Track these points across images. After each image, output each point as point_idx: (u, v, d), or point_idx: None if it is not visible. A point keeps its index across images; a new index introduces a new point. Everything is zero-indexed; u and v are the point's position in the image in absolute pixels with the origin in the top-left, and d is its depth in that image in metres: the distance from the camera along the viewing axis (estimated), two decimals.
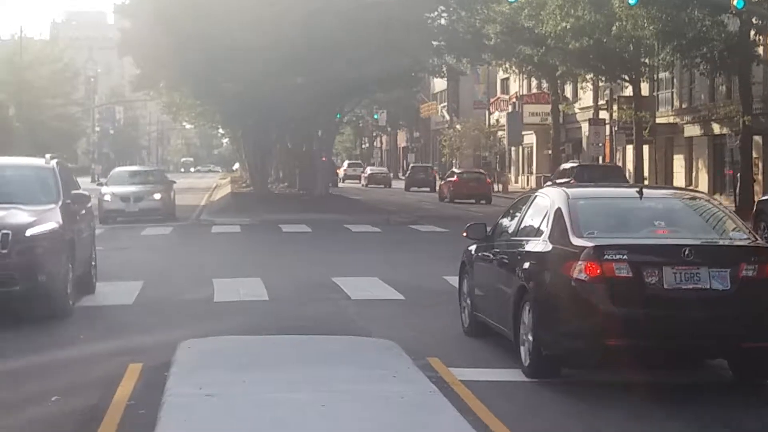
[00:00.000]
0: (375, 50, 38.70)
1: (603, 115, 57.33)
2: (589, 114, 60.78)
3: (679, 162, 52.69)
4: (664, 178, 52.35)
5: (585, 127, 61.45)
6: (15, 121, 73.56)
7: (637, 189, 11.07)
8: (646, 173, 49.38)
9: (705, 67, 40.07)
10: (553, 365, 9.76)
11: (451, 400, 8.53)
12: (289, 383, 8.89)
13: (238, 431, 7.48)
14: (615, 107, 53.03)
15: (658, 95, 54.93)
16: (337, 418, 7.81)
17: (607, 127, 54.86)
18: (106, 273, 18.36)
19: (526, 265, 10.11)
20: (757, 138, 43.64)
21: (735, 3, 30.47)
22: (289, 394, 8.48)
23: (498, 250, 11.25)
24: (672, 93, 54.17)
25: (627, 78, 49.08)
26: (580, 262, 9.24)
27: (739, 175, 39.76)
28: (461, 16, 45.94)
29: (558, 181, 32.23)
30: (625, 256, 9.19)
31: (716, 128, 47.79)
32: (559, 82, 59.22)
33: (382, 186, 74.97)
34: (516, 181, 74.29)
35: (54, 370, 10.32)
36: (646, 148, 51.55)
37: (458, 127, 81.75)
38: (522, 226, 10.97)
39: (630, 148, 51.91)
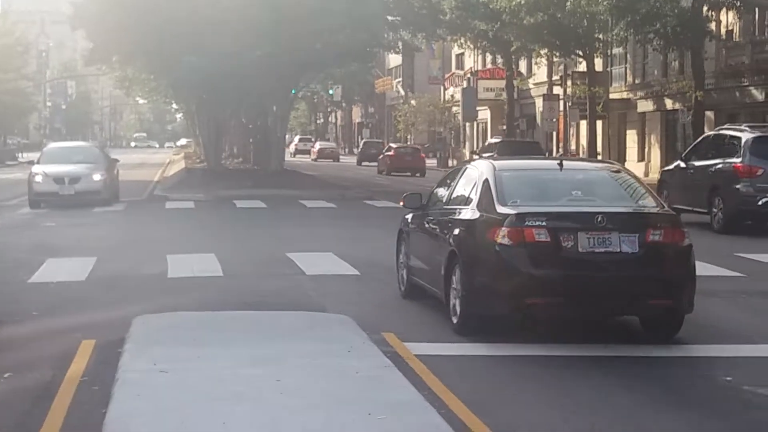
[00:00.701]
0: (332, 23, 38.51)
1: (557, 90, 57.52)
2: (544, 89, 60.91)
3: (632, 137, 53.04)
4: (618, 153, 52.70)
5: (539, 103, 61.61)
6: None
7: (558, 161, 11.73)
8: (599, 148, 49.63)
9: (658, 42, 40.29)
10: (479, 324, 10.56)
11: (406, 375, 8.56)
12: (243, 358, 8.88)
13: (192, 406, 7.46)
14: (569, 83, 53.25)
15: (611, 71, 55.19)
16: (292, 392, 7.81)
17: (561, 102, 55.07)
18: (59, 249, 18.28)
19: (456, 231, 10.99)
20: (709, 113, 43.95)
21: None
22: (244, 369, 8.48)
23: (432, 218, 12.12)
24: (625, 68, 54.45)
25: (581, 53, 49.24)
26: (503, 228, 10.17)
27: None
28: None
29: (483, 155, 33.49)
30: (543, 223, 10.10)
31: (669, 104, 48.11)
32: (513, 57, 59.31)
33: (331, 160, 77.90)
34: (470, 157, 74.48)
35: (6, 346, 10.24)
36: (599, 124, 51.81)
37: (413, 102, 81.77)
38: (453, 195, 11.85)
39: (584, 124, 52.19)
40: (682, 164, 24.14)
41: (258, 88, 45.12)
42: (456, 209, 11.36)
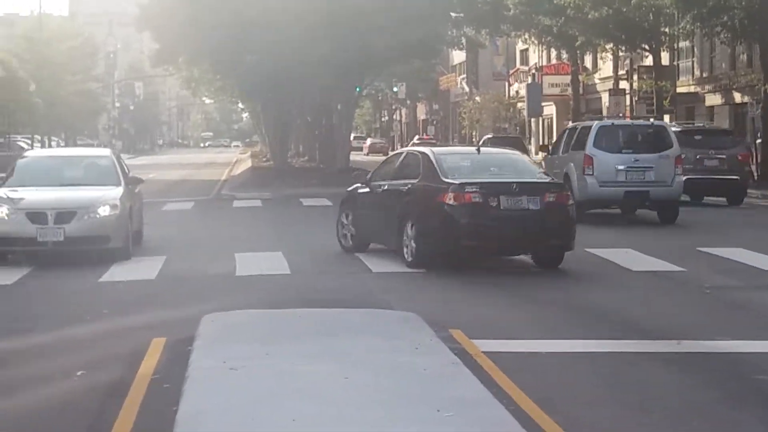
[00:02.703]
0: (396, 21, 38.50)
1: (623, 85, 57.03)
2: (609, 84, 60.45)
3: None
4: None
5: (605, 98, 61.15)
6: (35, 98, 73.74)
7: (476, 149, 17.72)
8: None
9: (725, 35, 39.81)
10: (429, 259, 15.09)
11: (474, 372, 8.55)
12: (311, 355, 8.92)
13: (261, 402, 7.51)
14: (635, 77, 52.76)
15: (678, 64, 54.60)
16: (359, 389, 7.84)
17: (628, 97, 54.61)
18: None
19: (408, 197, 15.65)
20: None
21: None
22: (312, 366, 8.52)
23: (381, 190, 16.74)
24: (692, 62, 53.85)
25: (647, 47, 48.79)
26: (450, 193, 14.82)
27: (759, 143, 39.51)
28: None
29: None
30: (477, 189, 14.80)
31: (737, 97, 47.49)
32: (578, 52, 58.87)
33: (381, 154, 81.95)
34: (536, 152, 74.12)
35: (79, 344, 10.39)
36: (667, 118, 51.29)
37: (477, 99, 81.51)
38: (400, 172, 16.49)
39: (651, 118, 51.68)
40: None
41: (321, 87, 45.25)
42: (405, 182, 15.92)
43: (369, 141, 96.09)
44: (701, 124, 33.92)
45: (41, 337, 10.75)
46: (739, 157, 28.99)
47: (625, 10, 42.59)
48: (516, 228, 14.83)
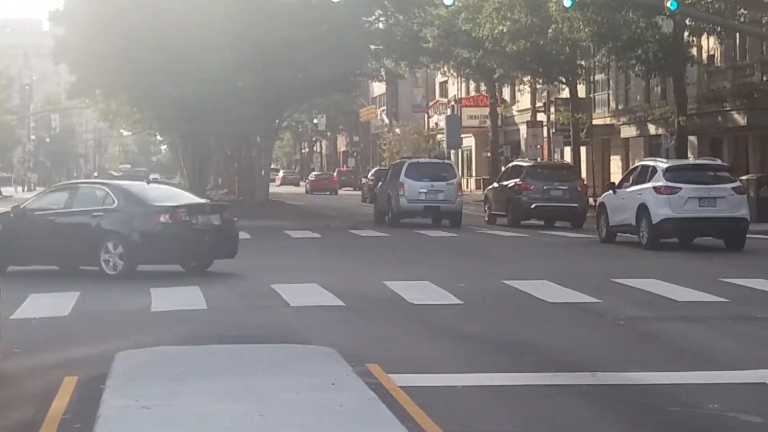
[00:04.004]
0: (316, 54, 38.60)
1: (541, 117, 57.71)
2: (527, 116, 61.13)
3: (616, 162, 53.20)
4: (602, 179, 52.79)
5: (523, 130, 61.79)
6: None
7: (146, 181, 22.56)
8: (583, 174, 49.76)
9: (640, 68, 40.52)
10: (135, 272, 18.82)
11: (390, 407, 8.50)
12: (227, 393, 8.81)
13: None
14: (552, 109, 53.43)
15: (594, 97, 55.42)
16: (274, 428, 7.75)
17: (545, 129, 55.24)
18: (42, 284, 18.16)
19: (105, 220, 19.22)
20: (692, 138, 44.15)
21: (669, 5, 30.80)
22: (228, 404, 8.40)
23: (54, 217, 19.73)
24: (608, 94, 54.69)
25: (564, 80, 49.49)
26: (165, 213, 18.54)
27: None
28: (399, 20, 46.03)
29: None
30: (185, 210, 18.85)
31: (652, 129, 48.29)
32: (497, 84, 59.55)
33: (292, 185, 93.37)
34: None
35: None
36: (583, 150, 51.96)
37: (398, 130, 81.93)
38: (81, 201, 19.61)
39: (568, 150, 52.33)
40: (496, 184, 36.80)
41: (241, 119, 45.12)
42: (95, 208, 19.05)
43: (281, 173, 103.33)
44: (547, 161, 42.20)
45: None
46: (579, 188, 34.97)
47: (542, 43, 43.15)
48: (205, 240, 19.07)
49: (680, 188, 24.41)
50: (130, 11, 37.97)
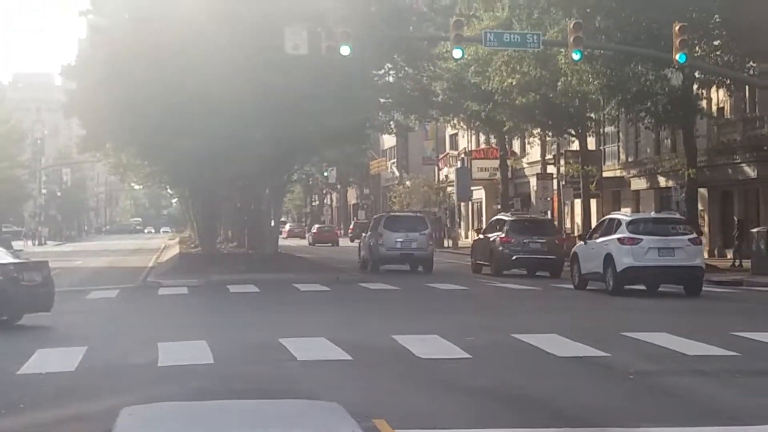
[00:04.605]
0: (326, 106, 38.76)
1: (551, 169, 57.78)
2: (537, 168, 61.23)
3: None
4: None
5: (533, 182, 61.86)
6: None
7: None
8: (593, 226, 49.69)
9: (649, 120, 40.58)
10: None
11: None
12: None
13: None
14: (562, 161, 53.49)
15: (604, 149, 55.50)
16: None
17: (555, 181, 55.28)
18: (50, 339, 18.13)
19: None
20: (703, 190, 44.15)
21: (677, 57, 30.89)
22: None
23: None
24: (618, 147, 54.76)
25: (573, 132, 49.57)
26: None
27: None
28: (408, 73, 46.22)
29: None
30: None
31: (662, 181, 48.28)
32: (506, 137, 59.71)
33: (298, 238, 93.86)
34: (466, 236, 74.55)
35: None
36: (593, 202, 51.96)
37: (408, 183, 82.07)
38: None
39: (578, 202, 52.33)
40: (481, 236, 40.04)
41: (250, 173, 45.21)
42: None
43: (288, 226, 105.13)
44: (529, 216, 44.02)
45: None
46: (557, 241, 37.48)
47: (551, 96, 43.27)
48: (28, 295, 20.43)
49: (642, 239, 26.67)
50: (139, 65, 38.17)
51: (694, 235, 27.96)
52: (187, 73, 37.33)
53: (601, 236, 28.35)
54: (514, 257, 36.38)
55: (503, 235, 36.88)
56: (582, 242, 30.00)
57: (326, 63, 34.61)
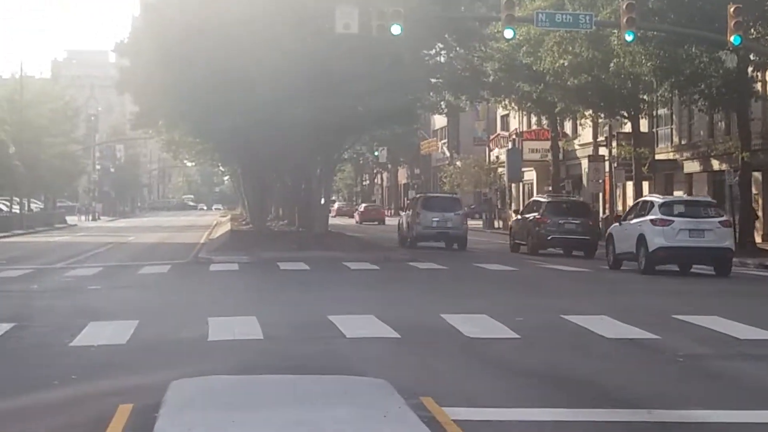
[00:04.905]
0: (377, 86, 38.74)
1: (602, 151, 57.38)
2: (589, 150, 60.81)
3: None
4: None
5: (585, 164, 61.48)
6: (15, 160, 73.61)
7: None
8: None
9: (703, 103, 40.16)
10: None
11: None
12: (279, 424, 8.79)
13: None
14: (614, 143, 53.09)
15: (657, 131, 55.00)
16: None
17: (607, 163, 54.90)
18: (102, 312, 18.34)
19: None
20: (757, 174, 43.65)
21: (732, 39, 30.54)
22: None
23: None
24: (671, 129, 54.25)
25: (626, 114, 49.16)
26: None
27: (738, 210, 39.70)
28: (459, 54, 46.05)
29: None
30: None
31: (715, 164, 47.81)
32: (558, 118, 59.33)
33: (346, 216, 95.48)
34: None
35: (44, 410, 10.22)
36: (645, 185, 51.56)
37: (458, 163, 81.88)
38: None
39: (630, 185, 51.94)
40: (519, 216, 41.75)
41: (300, 151, 45.35)
42: None
43: (336, 205, 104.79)
44: (565, 198, 46.26)
45: (6, 403, 10.56)
46: (590, 223, 39.14)
47: (603, 77, 42.92)
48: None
49: (673, 221, 27.83)
50: (190, 43, 38.35)
51: (725, 218, 29.13)
52: (237, 52, 37.49)
53: (635, 218, 29.29)
54: (549, 237, 38.05)
55: (539, 215, 38.51)
56: (617, 223, 30.92)
57: (376, 42, 34.59)
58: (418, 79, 42.62)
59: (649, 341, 14.73)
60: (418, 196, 48.07)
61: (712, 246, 27.71)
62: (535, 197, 44.55)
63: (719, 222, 28.25)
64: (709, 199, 31.93)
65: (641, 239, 28.13)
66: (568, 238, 38.13)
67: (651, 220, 28.09)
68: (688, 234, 27.74)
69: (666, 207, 28.49)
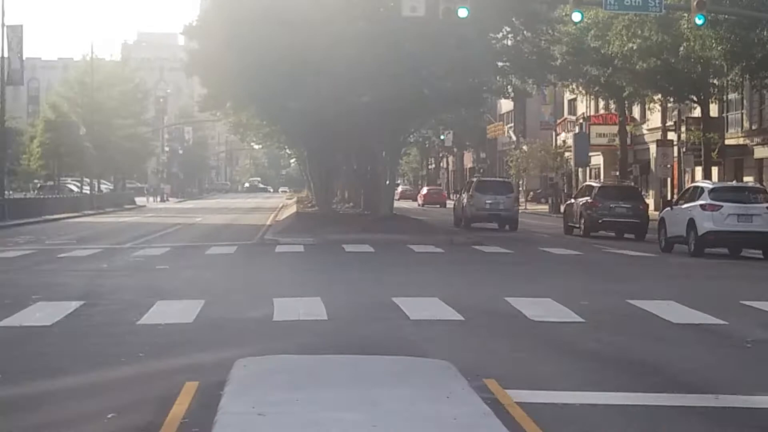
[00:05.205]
0: (441, 69, 38.61)
1: (671, 136, 56.78)
2: (657, 135, 60.22)
3: None
4: None
5: (653, 149, 60.89)
6: (85, 141, 74.59)
7: None
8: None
9: None
10: None
11: (506, 423, 8.43)
12: (342, 403, 8.85)
13: None
14: (683, 128, 52.51)
15: (727, 116, 54.30)
16: None
17: (676, 148, 54.33)
18: (170, 291, 18.56)
19: None
20: None
21: None
22: (341, 414, 8.44)
23: None
24: (742, 114, 53.52)
25: (695, 99, 48.58)
26: None
27: None
28: (526, 37, 45.72)
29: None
30: None
31: None
32: (626, 102, 58.76)
33: (411, 200, 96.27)
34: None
35: (112, 387, 10.38)
36: (715, 170, 50.96)
37: (525, 147, 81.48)
38: None
39: (699, 170, 51.36)
40: (572, 200, 43.09)
41: (366, 134, 45.41)
42: None
43: (400, 188, 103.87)
44: (616, 183, 47.11)
45: (76, 379, 10.75)
46: (641, 207, 39.80)
47: (673, 61, 42.45)
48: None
49: (722, 206, 28.74)
50: (257, 27, 38.49)
51: None
52: (306, 35, 37.57)
53: (686, 203, 30.36)
54: (600, 220, 39.31)
55: (591, 199, 39.83)
56: (669, 208, 32.11)
57: (442, 25, 34.47)
58: (485, 63, 42.38)
59: (717, 327, 14.59)
60: (472, 179, 50.96)
61: (759, 230, 28.59)
62: (588, 182, 46.52)
63: (767, 207, 28.97)
64: (758, 185, 33.04)
65: (691, 223, 29.12)
66: (619, 221, 39.36)
67: (701, 206, 29.04)
68: (736, 219, 28.61)
69: (715, 192, 29.44)
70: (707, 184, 31.28)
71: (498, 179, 53.84)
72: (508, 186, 47.77)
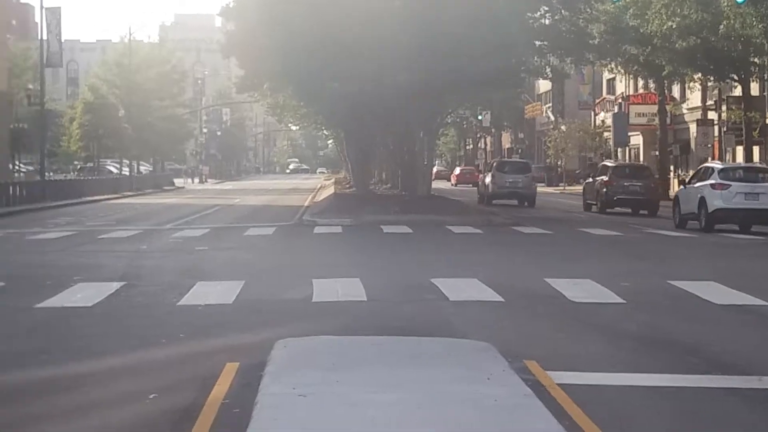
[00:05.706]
0: (481, 49, 38.41)
1: (711, 115, 56.30)
2: (698, 114, 59.71)
3: None
4: None
5: (693, 128, 60.41)
6: (124, 123, 74.98)
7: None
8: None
9: None
10: None
11: (547, 404, 8.38)
12: (382, 384, 8.84)
13: (328, 430, 7.44)
14: (724, 107, 52.05)
15: None
16: (428, 419, 7.73)
17: (716, 128, 53.86)
18: (209, 272, 18.63)
19: None
20: None
21: None
22: (382, 395, 8.43)
23: None
24: None
25: (736, 77, 48.12)
26: None
27: None
28: (564, 16, 45.40)
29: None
30: None
31: None
32: (665, 82, 58.28)
33: (445, 180, 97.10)
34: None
35: (153, 368, 10.43)
36: (756, 149, 50.48)
37: (563, 128, 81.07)
38: None
39: (740, 150, 50.91)
40: (590, 179, 46.13)
41: (403, 115, 45.31)
42: None
43: (435, 168, 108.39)
44: (629, 163, 53.44)
45: (117, 360, 10.81)
46: (652, 185, 43.20)
47: (713, 39, 42.05)
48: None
49: (731, 185, 30.66)
50: (296, 6, 38.45)
51: None
52: (343, 16, 37.50)
53: (698, 182, 32.25)
54: (615, 197, 42.40)
55: (607, 178, 42.83)
56: (682, 187, 33.74)
57: (479, 5, 34.29)
58: (522, 42, 42.13)
59: (760, 308, 14.46)
60: (494, 161, 57.45)
61: (766, 208, 30.42)
62: (604, 162, 50.35)
63: None
64: (765, 165, 35.98)
65: (702, 201, 31.03)
66: (632, 198, 42.36)
67: (711, 185, 30.95)
68: (744, 197, 30.52)
69: (725, 172, 31.49)
70: (718, 165, 33.49)
71: (518, 160, 60.57)
72: (527, 166, 52.61)
